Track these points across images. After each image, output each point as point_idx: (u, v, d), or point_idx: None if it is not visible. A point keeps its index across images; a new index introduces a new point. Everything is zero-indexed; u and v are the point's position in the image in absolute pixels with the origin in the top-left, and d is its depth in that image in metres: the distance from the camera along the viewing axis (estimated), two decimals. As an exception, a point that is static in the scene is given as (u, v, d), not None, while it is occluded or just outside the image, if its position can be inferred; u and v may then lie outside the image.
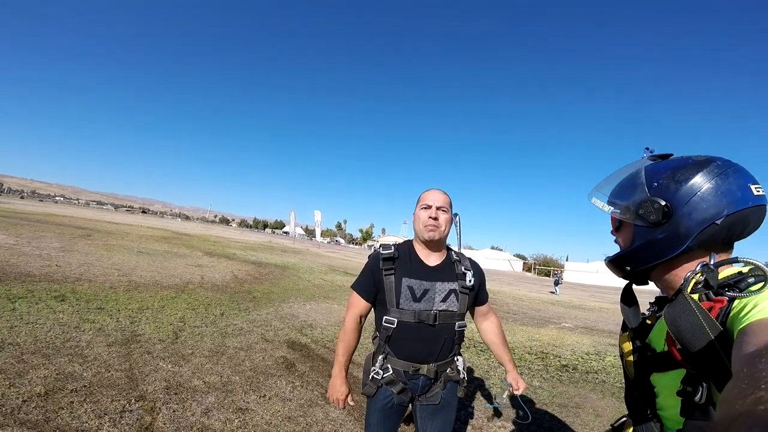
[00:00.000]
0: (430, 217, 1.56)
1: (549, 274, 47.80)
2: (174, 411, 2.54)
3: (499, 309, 10.36)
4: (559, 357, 5.60)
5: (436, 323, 1.52)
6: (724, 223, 0.78)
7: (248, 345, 4.21)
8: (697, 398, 0.71)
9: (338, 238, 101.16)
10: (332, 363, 3.96)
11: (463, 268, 1.62)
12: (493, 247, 76.69)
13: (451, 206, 1.64)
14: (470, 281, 1.60)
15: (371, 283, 1.61)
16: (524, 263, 63.85)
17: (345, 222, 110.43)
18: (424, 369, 1.55)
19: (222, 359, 3.65)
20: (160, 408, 2.54)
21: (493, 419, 3.16)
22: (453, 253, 1.68)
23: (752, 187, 0.80)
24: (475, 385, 3.95)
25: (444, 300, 1.55)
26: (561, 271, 32.68)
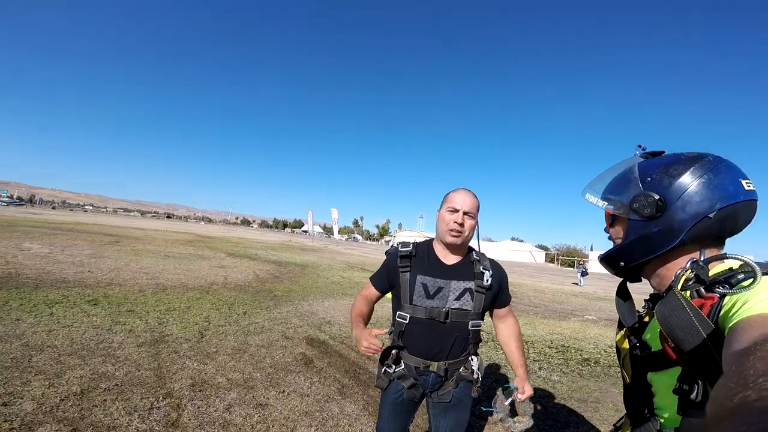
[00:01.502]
0: (455, 222, 1.54)
1: (573, 264, 46.83)
2: (198, 407, 2.68)
3: (519, 302, 10.28)
4: (581, 351, 5.54)
5: (447, 321, 1.54)
6: (717, 217, 0.79)
7: (269, 342, 4.36)
8: (693, 396, 0.72)
9: (356, 235, 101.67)
10: (350, 359, 4.06)
11: (481, 268, 1.61)
12: (513, 239, 75.59)
13: (478, 209, 1.62)
14: (487, 281, 1.58)
15: (385, 278, 1.69)
16: (546, 254, 62.69)
17: (362, 219, 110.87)
18: (435, 366, 1.58)
19: (244, 357, 3.80)
20: (185, 405, 2.69)
21: (505, 420, 3.12)
22: (473, 252, 1.68)
23: (743, 182, 0.81)
24: (491, 380, 3.97)
25: (458, 298, 1.56)
26: (585, 262, 31.96)
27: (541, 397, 3.68)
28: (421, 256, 1.65)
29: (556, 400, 3.64)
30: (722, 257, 0.80)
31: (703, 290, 0.74)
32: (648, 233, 0.86)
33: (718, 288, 0.72)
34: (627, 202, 0.89)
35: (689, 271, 0.79)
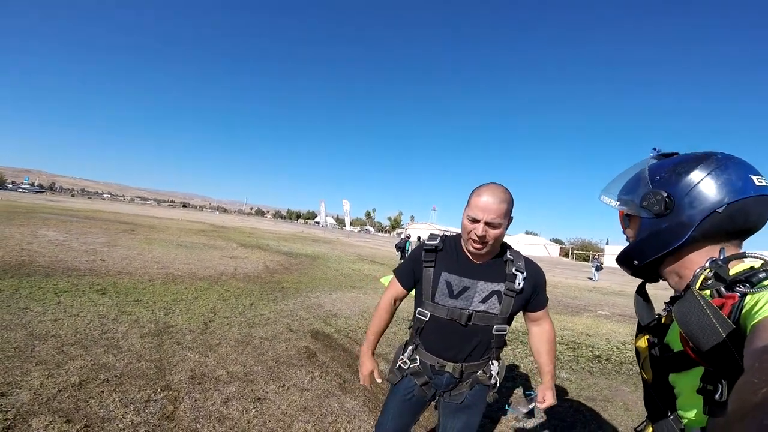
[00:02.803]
0: (475, 234, 1.37)
1: (587, 258, 46.11)
2: (195, 400, 2.65)
3: (530, 296, 10.12)
4: (592, 347, 5.40)
5: (470, 323, 1.44)
6: (726, 212, 0.79)
7: (273, 335, 4.32)
8: (717, 396, 0.69)
9: (368, 227, 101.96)
10: (353, 353, 4.01)
11: (514, 269, 1.47)
12: (527, 232, 74.70)
13: (507, 214, 1.39)
14: (519, 284, 1.45)
15: (411, 272, 1.59)
16: (561, 248, 61.82)
17: (374, 210, 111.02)
18: (450, 367, 1.50)
19: (247, 349, 3.77)
20: (183, 397, 2.66)
21: (519, 420, 3.01)
22: (508, 251, 1.53)
23: (754, 177, 0.80)
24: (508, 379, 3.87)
25: (484, 300, 1.45)
26: (600, 256, 31.38)
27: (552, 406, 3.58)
28: (448, 251, 1.53)
29: (563, 398, 3.53)
30: (742, 256, 0.79)
31: (723, 289, 0.73)
32: (658, 230, 0.86)
33: (739, 287, 0.71)
34: (637, 200, 0.90)
35: (708, 270, 0.77)
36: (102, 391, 2.56)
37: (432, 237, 1.56)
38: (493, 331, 1.47)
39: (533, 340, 1.65)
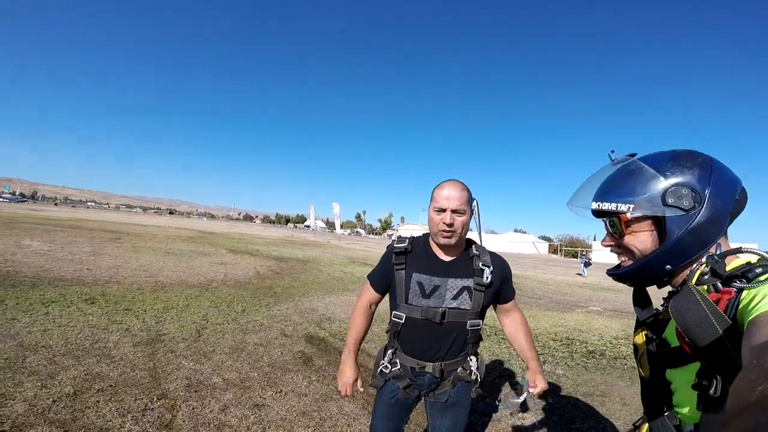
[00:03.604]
0: (443, 223, 1.45)
1: (576, 255, 46.73)
2: (193, 408, 2.62)
3: (522, 294, 10.22)
4: (586, 343, 5.47)
5: (444, 321, 1.48)
6: (741, 198, 0.82)
7: (267, 341, 4.30)
8: (711, 391, 0.70)
9: (358, 229, 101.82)
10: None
11: (481, 264, 1.52)
12: (516, 230, 75.46)
13: (468, 202, 1.50)
14: (487, 278, 1.50)
15: (383, 276, 1.61)
16: (550, 245, 62.58)
17: (364, 213, 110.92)
18: (430, 367, 1.53)
19: (242, 356, 3.74)
20: (180, 406, 2.63)
21: (515, 414, 3.06)
22: (473, 247, 1.59)
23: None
24: (494, 376, 3.91)
25: (455, 297, 1.49)
26: (588, 252, 31.83)
27: (545, 391, 3.61)
28: (417, 252, 1.57)
29: (560, 394, 3.58)
30: (738, 251, 0.79)
31: (719, 284, 0.73)
32: (696, 226, 0.79)
33: (736, 282, 0.71)
34: (657, 198, 0.81)
35: (705, 265, 0.77)
36: (98, 401, 2.53)
37: (401, 239, 1.60)
38: (468, 327, 1.51)
39: (509, 331, 1.70)
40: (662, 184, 0.82)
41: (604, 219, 0.94)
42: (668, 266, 0.83)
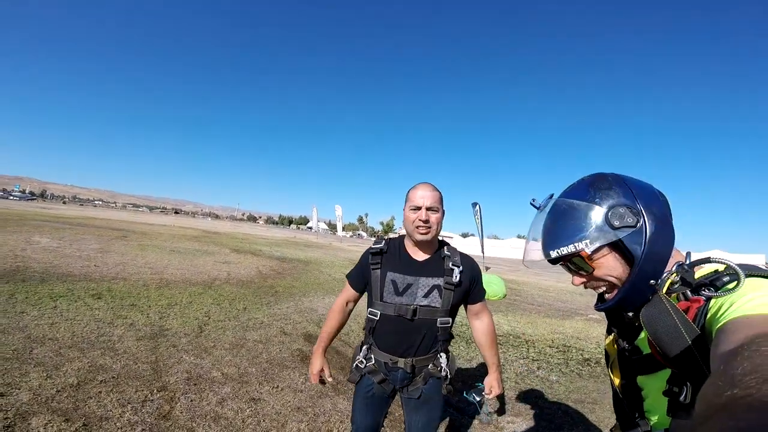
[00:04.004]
0: (420, 219, 1.55)
1: (580, 263, 46.26)
2: (191, 400, 2.72)
3: (522, 300, 10.23)
4: (582, 351, 5.48)
5: (415, 318, 1.56)
6: (663, 198, 0.86)
7: (267, 338, 4.39)
8: (681, 398, 0.72)
9: (360, 232, 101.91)
10: (346, 355, 4.09)
11: (451, 264, 1.61)
12: (519, 236, 75.00)
13: (441, 202, 1.61)
14: (457, 277, 1.58)
15: (361, 275, 1.72)
16: (554, 252, 61.92)
17: (366, 215, 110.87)
18: (402, 362, 1.60)
19: (241, 352, 3.84)
20: (179, 398, 2.73)
21: (494, 417, 3.08)
22: (445, 248, 1.68)
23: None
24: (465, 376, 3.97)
25: (426, 295, 1.58)
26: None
27: (536, 397, 3.66)
28: (392, 252, 1.67)
29: (552, 401, 3.62)
30: (705, 261, 0.80)
31: (689, 293, 0.75)
32: (652, 235, 0.80)
33: (704, 291, 0.72)
34: (604, 226, 0.82)
35: (674, 274, 0.79)
36: (100, 392, 2.63)
37: (377, 241, 1.71)
38: (438, 324, 1.59)
39: (476, 335, 1.77)
40: (599, 211, 0.82)
41: (563, 264, 0.93)
42: (651, 281, 0.81)
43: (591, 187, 0.86)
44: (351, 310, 1.81)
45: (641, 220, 0.80)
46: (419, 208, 1.55)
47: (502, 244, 59.29)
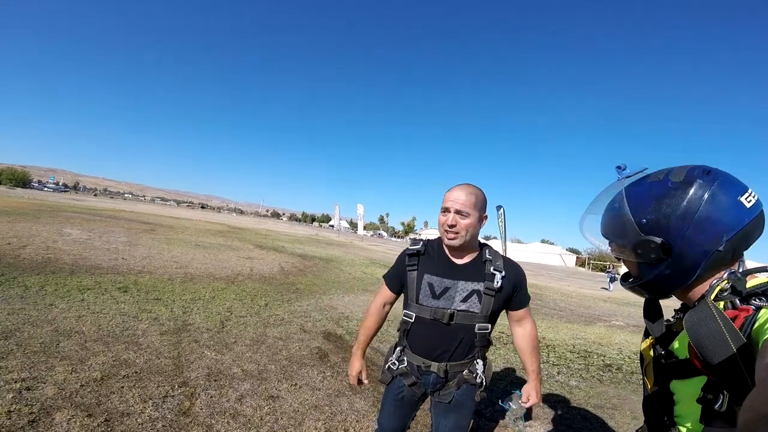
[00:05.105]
0: (447, 224, 1.49)
1: (604, 269, 45.20)
2: (211, 397, 2.74)
3: (544, 305, 10.01)
4: (604, 356, 5.33)
5: (452, 323, 1.51)
6: (727, 248, 0.77)
7: (287, 335, 4.41)
8: (717, 406, 0.70)
9: (381, 231, 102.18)
10: (367, 356, 4.04)
11: (492, 269, 1.54)
12: (543, 241, 73.63)
13: (475, 206, 1.50)
14: (498, 283, 1.51)
15: (397, 277, 1.68)
16: (577, 258, 60.57)
17: (387, 215, 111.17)
18: (435, 367, 1.56)
19: (261, 348, 3.86)
20: (199, 394, 2.75)
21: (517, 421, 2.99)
22: (487, 251, 1.61)
23: (743, 199, 0.78)
24: (507, 383, 3.87)
25: (464, 300, 1.52)
26: (616, 267, 30.72)
27: (556, 402, 3.57)
28: (431, 254, 1.62)
29: (571, 406, 3.53)
30: (760, 270, 0.78)
31: (738, 301, 0.72)
32: (661, 274, 0.84)
33: (755, 300, 0.70)
34: (629, 247, 0.87)
35: (725, 281, 0.77)
36: (122, 387, 2.67)
37: (415, 242, 1.66)
38: (476, 330, 1.53)
39: (517, 341, 1.70)
40: (636, 235, 0.85)
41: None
42: (646, 295, 0.94)
43: (656, 201, 0.84)
44: (388, 312, 1.77)
45: (664, 261, 0.83)
46: (448, 211, 1.50)
47: (525, 249, 58.29)
